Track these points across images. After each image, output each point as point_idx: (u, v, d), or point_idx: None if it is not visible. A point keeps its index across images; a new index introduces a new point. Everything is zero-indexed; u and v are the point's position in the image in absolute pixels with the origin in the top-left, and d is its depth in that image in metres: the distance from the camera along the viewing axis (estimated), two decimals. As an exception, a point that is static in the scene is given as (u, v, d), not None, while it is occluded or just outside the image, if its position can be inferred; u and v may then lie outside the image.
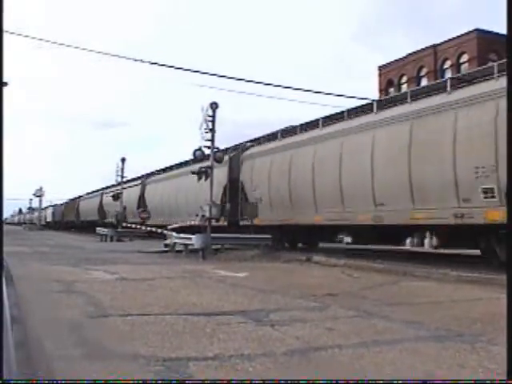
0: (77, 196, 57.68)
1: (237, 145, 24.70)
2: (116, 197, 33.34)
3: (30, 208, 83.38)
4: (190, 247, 17.12)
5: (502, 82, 10.73)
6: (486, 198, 11.42)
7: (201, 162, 20.25)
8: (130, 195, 34.68)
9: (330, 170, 16.44)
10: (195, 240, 16.62)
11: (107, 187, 42.33)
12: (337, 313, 6.22)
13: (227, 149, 24.03)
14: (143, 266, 12.94)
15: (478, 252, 13.37)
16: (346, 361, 3.97)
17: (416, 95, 14.49)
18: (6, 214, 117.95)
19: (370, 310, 6.32)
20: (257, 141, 23.53)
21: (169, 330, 5.00)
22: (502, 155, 10.50)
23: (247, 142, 24.23)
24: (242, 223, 20.90)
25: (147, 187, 34.82)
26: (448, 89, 13.13)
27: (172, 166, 33.10)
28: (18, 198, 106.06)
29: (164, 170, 34.23)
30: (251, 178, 21.32)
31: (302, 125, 19.94)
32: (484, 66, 13.67)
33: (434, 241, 15.69)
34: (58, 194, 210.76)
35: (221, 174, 21.20)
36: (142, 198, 34.75)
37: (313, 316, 5.93)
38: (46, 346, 4.29)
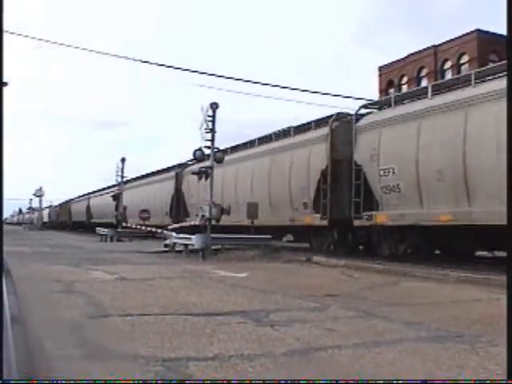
0: (69, 199, 63.57)
1: (181, 164, 30.06)
2: (116, 197, 33.41)
3: (29, 208, 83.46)
4: (190, 247, 17.12)
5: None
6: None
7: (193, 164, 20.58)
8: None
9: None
10: (195, 240, 16.63)
11: (106, 187, 45.33)
12: (337, 313, 6.22)
13: (174, 166, 31.66)
14: (143, 266, 12.94)
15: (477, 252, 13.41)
16: (345, 361, 3.97)
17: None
18: (6, 214, 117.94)
19: (369, 311, 6.32)
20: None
21: (169, 330, 5.00)
22: None
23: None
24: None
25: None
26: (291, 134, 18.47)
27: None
28: (18, 198, 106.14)
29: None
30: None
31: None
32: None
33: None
34: (58, 194, 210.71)
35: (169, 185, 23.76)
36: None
37: (313, 316, 5.93)
38: (45, 345, 4.29)
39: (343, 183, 15.79)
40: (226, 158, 20.72)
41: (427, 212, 12.97)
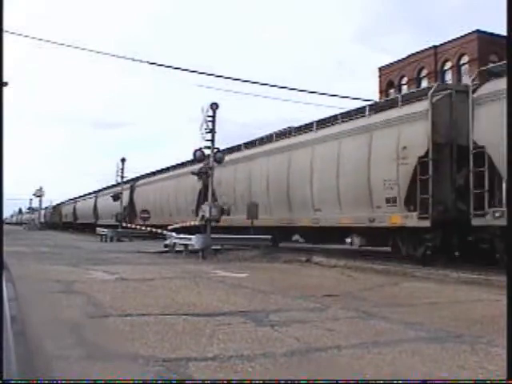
0: (60, 202, 68.83)
1: (132, 178, 32.75)
2: (116, 197, 33.43)
3: (29, 208, 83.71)
4: (190, 247, 17.13)
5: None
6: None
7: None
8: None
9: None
10: (195, 240, 16.64)
11: (103, 188, 47.63)
12: (337, 314, 6.21)
13: (128, 180, 34.34)
14: (143, 267, 12.94)
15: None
16: (345, 361, 3.97)
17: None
18: (6, 214, 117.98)
19: (369, 311, 6.32)
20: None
21: (168, 330, 5.00)
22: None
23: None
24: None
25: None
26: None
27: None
28: (18, 198, 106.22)
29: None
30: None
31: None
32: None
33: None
34: (58, 194, 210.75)
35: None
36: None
37: (313, 317, 5.93)
38: (45, 346, 4.29)
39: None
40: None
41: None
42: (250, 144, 22.45)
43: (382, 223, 13.91)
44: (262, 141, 21.36)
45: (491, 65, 14.25)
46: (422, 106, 13.21)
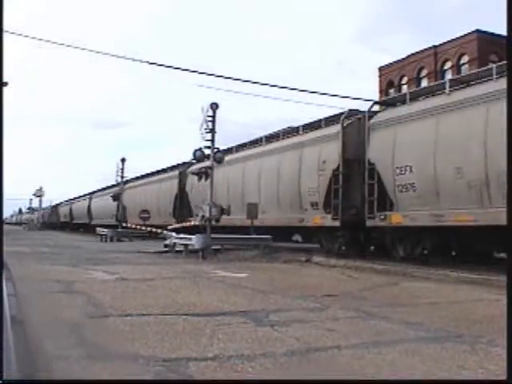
0: (58, 203, 70.97)
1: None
2: (116, 197, 33.49)
3: (29, 208, 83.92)
4: (190, 247, 17.13)
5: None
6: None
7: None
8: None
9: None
10: (195, 240, 16.64)
11: (97, 190, 51.38)
12: (337, 313, 6.22)
13: (118, 183, 33.92)
14: (143, 267, 12.94)
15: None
16: (345, 361, 3.97)
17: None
18: (6, 214, 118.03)
19: (369, 311, 6.32)
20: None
21: (169, 330, 5.00)
22: None
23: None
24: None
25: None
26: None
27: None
28: (18, 198, 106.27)
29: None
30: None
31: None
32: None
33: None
34: (58, 194, 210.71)
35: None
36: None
37: (313, 317, 5.93)
38: (45, 346, 4.29)
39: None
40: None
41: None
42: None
43: (308, 223, 16.94)
44: (226, 151, 23.16)
45: (388, 97, 18.30)
46: (336, 128, 16.18)
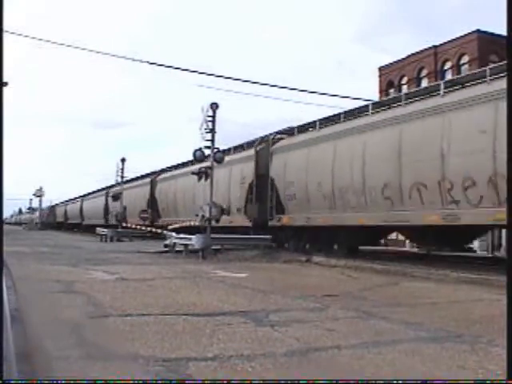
0: (55, 204, 74.65)
1: (108, 186, 34.49)
2: (116, 197, 33.56)
3: (29, 208, 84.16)
4: (190, 247, 17.13)
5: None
6: None
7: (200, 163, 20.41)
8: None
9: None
10: (195, 240, 16.64)
11: (88, 193, 56.09)
12: (336, 313, 6.22)
13: (105, 188, 39.43)
14: (143, 267, 12.95)
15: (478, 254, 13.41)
16: (345, 361, 3.97)
17: None
18: (6, 214, 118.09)
19: (369, 311, 6.32)
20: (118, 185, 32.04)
21: (169, 330, 5.00)
22: None
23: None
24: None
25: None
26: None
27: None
28: (18, 198, 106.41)
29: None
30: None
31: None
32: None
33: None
34: (58, 194, 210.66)
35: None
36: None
37: (313, 317, 5.94)
38: (45, 346, 4.29)
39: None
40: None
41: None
42: (173, 167, 32.25)
43: (233, 223, 20.57)
44: (182, 165, 30.02)
45: (288, 127, 21.03)
46: (252, 151, 21.05)
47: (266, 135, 21.44)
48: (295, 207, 18.08)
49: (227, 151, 22.54)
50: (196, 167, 23.40)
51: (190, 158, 30.44)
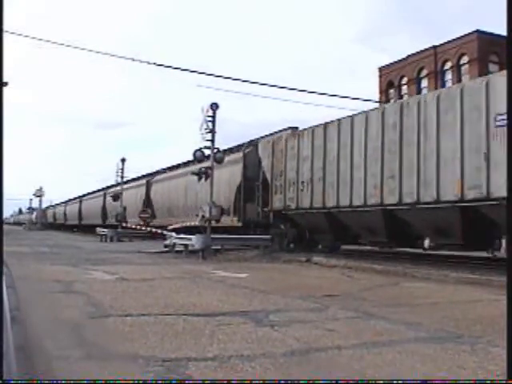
0: (48, 206, 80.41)
1: (99, 189, 38.17)
2: (116, 197, 33.58)
3: (29, 208, 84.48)
4: (190, 248, 17.13)
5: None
6: None
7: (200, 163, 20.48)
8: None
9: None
10: (195, 240, 16.64)
11: (71, 199, 65.12)
12: (336, 314, 6.21)
13: (99, 189, 43.54)
14: (143, 267, 12.95)
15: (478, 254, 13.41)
16: (345, 362, 3.97)
17: None
18: (6, 214, 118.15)
19: (369, 311, 6.32)
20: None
21: (168, 330, 5.00)
22: None
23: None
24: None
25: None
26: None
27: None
28: (18, 198, 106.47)
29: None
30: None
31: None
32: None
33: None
34: (58, 194, 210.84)
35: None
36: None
37: (312, 317, 5.93)
38: (45, 346, 4.29)
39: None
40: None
41: None
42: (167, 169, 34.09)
43: (227, 223, 20.75)
44: (176, 167, 32.35)
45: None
46: (240, 154, 21.59)
47: (253, 140, 22.19)
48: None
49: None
50: (186, 170, 25.57)
51: (189, 158, 31.54)
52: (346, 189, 14.47)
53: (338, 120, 15.24)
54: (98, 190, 50.02)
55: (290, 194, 16.88)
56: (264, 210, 18.76)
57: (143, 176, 38.62)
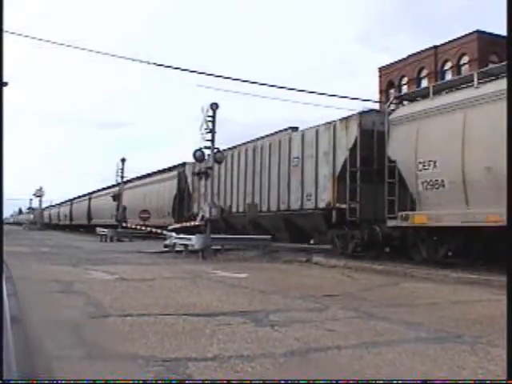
0: (44, 207, 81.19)
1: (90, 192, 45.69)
2: (116, 197, 33.56)
3: (29, 208, 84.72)
4: (190, 248, 17.12)
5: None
6: None
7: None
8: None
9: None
10: (195, 240, 16.62)
11: (63, 202, 68.56)
12: (336, 314, 6.22)
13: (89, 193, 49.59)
14: (143, 267, 12.94)
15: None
16: (345, 362, 3.97)
17: None
18: (6, 214, 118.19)
19: (369, 311, 6.32)
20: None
21: (168, 330, 5.00)
22: None
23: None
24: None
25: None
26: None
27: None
28: (18, 198, 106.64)
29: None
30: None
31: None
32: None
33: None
34: (58, 194, 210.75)
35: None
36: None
37: (312, 317, 5.93)
38: (45, 346, 4.29)
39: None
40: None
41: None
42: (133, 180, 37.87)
43: (168, 223, 24.31)
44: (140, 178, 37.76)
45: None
46: (175, 172, 29.10)
47: (184, 162, 27.36)
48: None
49: (158, 172, 33.93)
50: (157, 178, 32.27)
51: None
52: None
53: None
54: (84, 195, 55.83)
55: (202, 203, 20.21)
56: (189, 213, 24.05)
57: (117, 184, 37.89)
